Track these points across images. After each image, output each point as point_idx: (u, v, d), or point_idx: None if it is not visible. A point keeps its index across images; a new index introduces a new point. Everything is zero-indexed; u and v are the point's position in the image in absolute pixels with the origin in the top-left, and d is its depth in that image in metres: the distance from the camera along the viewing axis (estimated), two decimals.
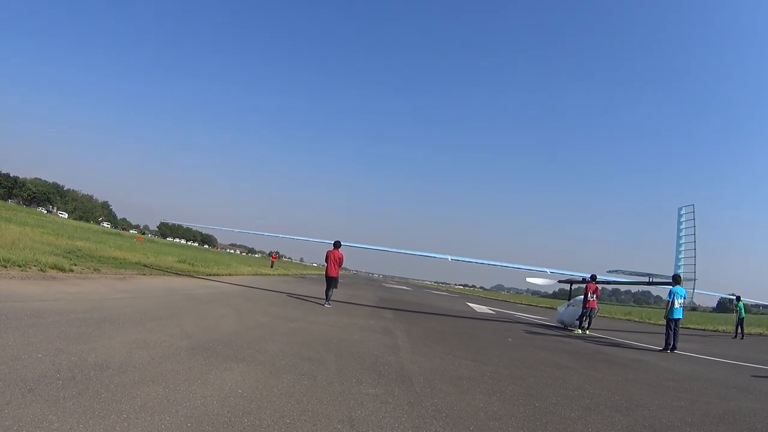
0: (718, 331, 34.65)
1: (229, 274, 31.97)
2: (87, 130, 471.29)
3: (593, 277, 23.32)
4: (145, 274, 20.47)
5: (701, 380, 11.03)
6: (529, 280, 29.31)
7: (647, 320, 42.41)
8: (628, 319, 43.52)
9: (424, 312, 25.65)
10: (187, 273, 25.92)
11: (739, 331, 28.98)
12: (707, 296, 47.98)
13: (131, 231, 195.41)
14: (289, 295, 22.58)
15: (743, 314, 29.42)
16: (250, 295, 19.44)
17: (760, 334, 32.90)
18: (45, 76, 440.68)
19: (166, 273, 23.65)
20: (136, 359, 6.34)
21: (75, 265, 17.21)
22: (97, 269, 18.10)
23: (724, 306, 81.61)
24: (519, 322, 26.96)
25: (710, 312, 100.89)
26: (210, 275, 27.84)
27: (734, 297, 31.81)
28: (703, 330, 35.41)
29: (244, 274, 35.93)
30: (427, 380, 7.61)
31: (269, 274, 45.52)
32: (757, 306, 78.55)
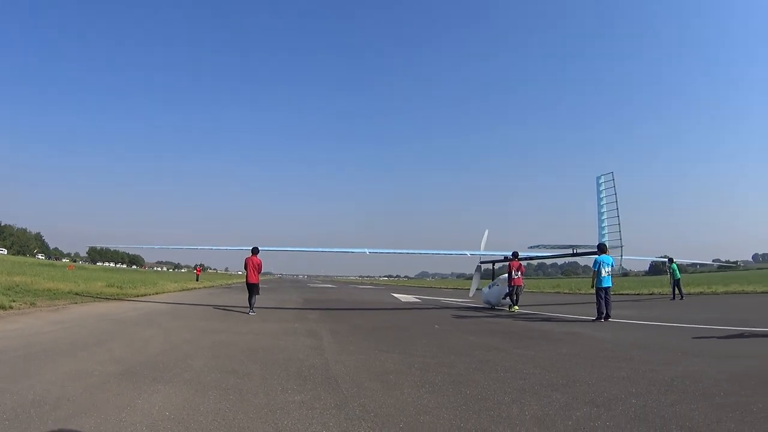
0: (654, 294, 34.73)
1: (156, 293, 31.33)
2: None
3: (515, 255, 23.02)
4: (77, 303, 20.08)
5: (641, 347, 10.77)
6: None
7: (577, 291, 42.61)
8: (557, 292, 44.17)
9: (349, 308, 25.55)
10: (116, 297, 25.42)
11: (677, 292, 28.70)
12: (638, 261, 48.66)
13: (64, 260, 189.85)
14: (215, 307, 22.36)
15: (678, 275, 29.00)
16: (176, 312, 19.15)
17: (701, 293, 32.67)
18: None
19: (96, 299, 23.07)
20: (70, 392, 6.23)
21: (14, 302, 17.02)
22: (33, 303, 17.84)
23: (657, 269, 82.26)
24: (446, 307, 26.50)
25: (643, 276, 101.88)
26: (138, 296, 27.34)
27: (666, 259, 31.70)
28: (638, 295, 35.47)
29: (170, 291, 35.12)
30: (353, 380, 7.40)
31: (195, 288, 44.83)
32: (693, 264, 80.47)
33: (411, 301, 33.80)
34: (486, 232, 28.15)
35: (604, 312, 16.30)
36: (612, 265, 17.50)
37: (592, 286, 17.44)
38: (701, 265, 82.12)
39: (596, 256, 17.85)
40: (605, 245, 18.69)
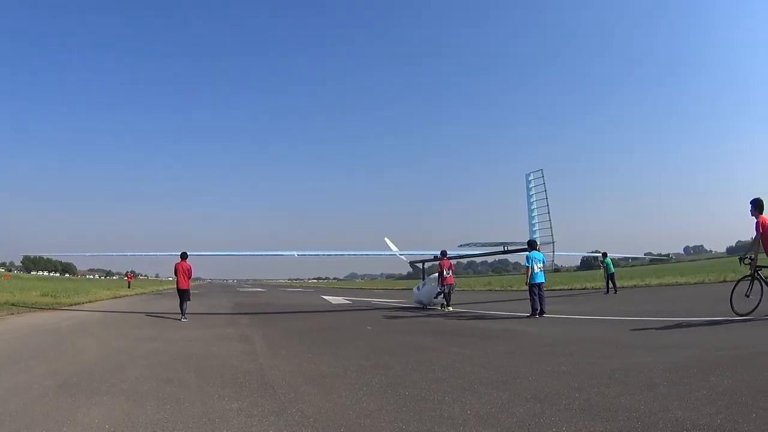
0: (587, 289, 34.59)
1: (90, 301, 30.99)
2: None
3: (444, 254, 22.52)
4: (12, 314, 19.97)
5: (579, 341, 10.77)
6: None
7: (509, 287, 42.25)
8: (489, 290, 44.14)
9: (280, 312, 25.63)
10: (51, 306, 25.06)
11: (611, 285, 28.09)
12: (569, 256, 48.38)
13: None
14: (147, 314, 22.24)
15: (612, 269, 28.50)
16: (109, 321, 19.15)
17: (634, 286, 32.66)
18: None
19: (31, 309, 22.84)
20: (11, 407, 6.14)
21: None
22: None
23: (588, 264, 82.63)
24: (377, 308, 26.47)
25: (574, 271, 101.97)
26: (72, 305, 27.05)
27: (600, 254, 31.04)
28: (571, 290, 35.55)
29: (103, 299, 34.87)
30: (290, 384, 7.24)
31: (127, 295, 44.37)
32: (625, 258, 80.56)
33: (341, 303, 33.62)
34: (386, 240, 29.17)
35: (538, 308, 16.30)
36: (543, 261, 17.45)
37: (526, 283, 17.22)
38: (633, 258, 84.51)
39: (527, 252, 17.62)
40: (535, 242, 18.70)
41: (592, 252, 40.48)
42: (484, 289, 46.12)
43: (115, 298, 38.70)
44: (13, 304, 23.79)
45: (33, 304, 25.60)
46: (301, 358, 9.86)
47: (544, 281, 17.10)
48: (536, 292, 16.53)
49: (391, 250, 28.47)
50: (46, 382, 7.75)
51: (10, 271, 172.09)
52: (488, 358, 9.06)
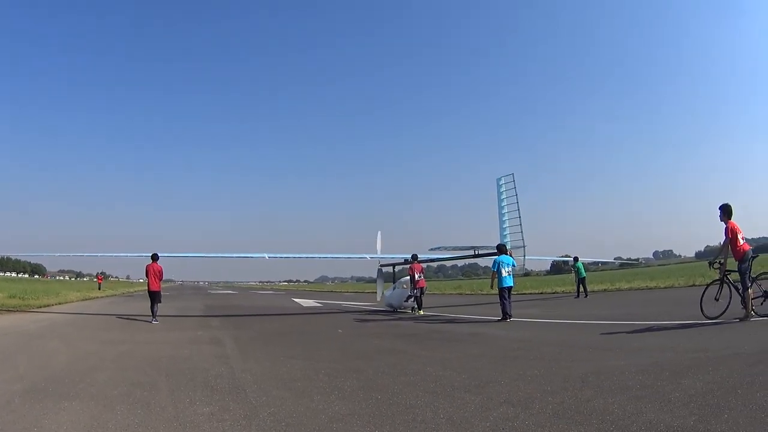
0: (558, 293, 34.16)
1: (59, 303, 30.37)
2: None
3: (414, 257, 22.31)
4: None
5: (551, 345, 10.62)
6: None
7: (479, 291, 41.01)
8: (459, 293, 43.78)
9: (251, 315, 25.23)
10: (18, 308, 24.36)
11: (581, 290, 27.69)
12: (539, 261, 47.52)
13: None
14: (117, 316, 21.81)
15: (584, 273, 28.16)
16: (79, 323, 18.72)
17: (605, 290, 32.14)
18: None
19: None
20: None
21: None
22: None
23: (559, 268, 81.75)
24: (348, 311, 26.45)
25: (544, 276, 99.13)
26: (41, 307, 26.42)
27: (571, 258, 31.26)
28: (541, 293, 35.10)
29: (73, 301, 34.07)
30: (261, 388, 7.07)
31: (97, 297, 43.51)
32: (596, 263, 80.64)
33: (312, 305, 33.39)
34: (379, 234, 27.86)
35: (508, 312, 16.01)
36: (513, 265, 17.24)
37: (491, 287, 17.20)
38: (603, 263, 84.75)
39: (495, 257, 17.26)
40: (504, 246, 18.38)
41: (563, 256, 40.75)
42: (454, 292, 45.86)
43: (85, 300, 37.92)
44: None
45: (0, 305, 24.86)
46: (272, 362, 9.74)
47: (512, 285, 16.88)
48: (506, 295, 16.30)
49: (378, 244, 27.58)
50: (13, 387, 7.43)
51: None
52: (460, 362, 8.95)
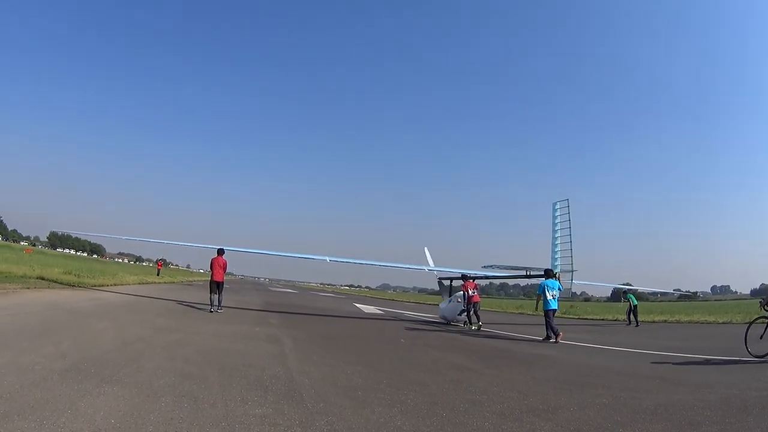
0: (611, 320, 34.12)
1: (115, 284, 30.57)
2: None
3: (464, 277, 23.06)
4: (29, 288, 19.61)
5: (616, 373, 10.47)
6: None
7: (541, 312, 39.67)
8: (520, 313, 43.36)
9: (311, 315, 25.11)
10: (73, 285, 24.73)
11: (632, 318, 28.89)
12: (601, 287, 50.93)
13: (22, 243, 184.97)
14: (174, 303, 22.01)
15: (635, 302, 29.16)
16: (133, 306, 18.68)
17: (665, 321, 32.19)
18: None
19: (51, 286, 22.50)
20: (6, 387, 5.72)
21: None
22: None
23: (618, 296, 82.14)
24: (408, 320, 26.55)
25: (604, 302, 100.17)
26: (96, 286, 26.69)
27: (626, 287, 32.62)
28: (602, 320, 35.13)
29: (129, 284, 34.33)
30: (319, 394, 6.83)
31: (155, 283, 43.56)
32: (655, 294, 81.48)
33: (374, 312, 33.49)
34: (426, 250, 29.60)
35: (552, 334, 16.72)
36: (559, 289, 17.78)
37: (536, 309, 18.20)
38: (662, 294, 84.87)
39: (542, 280, 17.95)
40: (551, 270, 19.00)
41: (624, 284, 40.88)
42: (516, 311, 44.83)
43: (142, 284, 37.68)
44: (31, 278, 23.60)
45: (54, 280, 25.29)
46: (331, 366, 9.42)
47: (556, 308, 17.69)
48: (551, 317, 17.05)
49: (428, 259, 29.13)
50: (53, 364, 7.20)
51: (34, 245, 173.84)
52: (527, 384, 8.71)
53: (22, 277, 23.44)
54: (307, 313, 25.72)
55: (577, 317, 36.36)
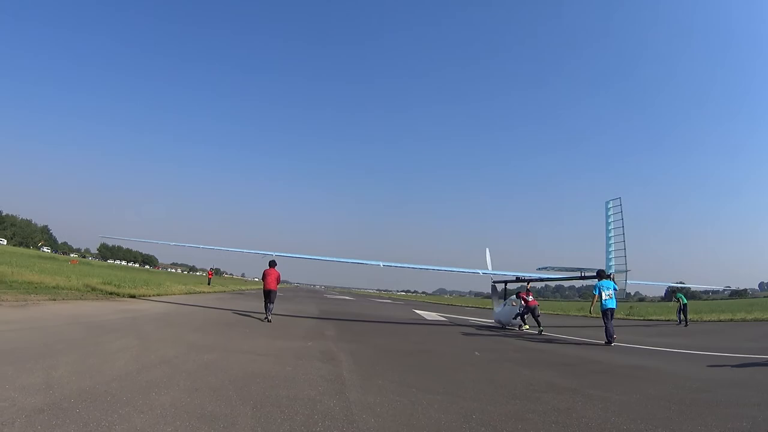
0: (694, 320, 33.03)
1: (158, 295, 29.11)
2: (23, 150, 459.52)
3: (519, 280, 25.48)
4: (55, 300, 17.99)
5: (732, 385, 9.11)
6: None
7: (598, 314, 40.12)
8: (583, 315, 41.58)
9: (370, 321, 24.13)
10: (108, 295, 23.22)
11: (682, 317, 29.72)
12: (654, 286, 53.28)
13: (72, 255, 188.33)
14: (218, 314, 20.49)
15: (685, 302, 29.98)
16: (169, 319, 16.89)
17: (730, 320, 31.85)
18: None
19: (84, 297, 20.91)
20: None
21: None
22: None
23: (671, 295, 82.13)
24: (473, 327, 25.35)
25: (658, 302, 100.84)
26: (134, 296, 25.23)
27: (677, 285, 34.97)
28: (667, 321, 34.44)
29: (174, 294, 32.91)
30: None
31: (204, 292, 42.01)
32: (707, 292, 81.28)
33: (436, 319, 31.62)
34: (487, 251, 29.86)
35: (610, 334, 16.67)
36: (615, 289, 17.89)
37: (590, 311, 18.55)
38: (713, 291, 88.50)
39: (596, 281, 18.28)
40: (604, 271, 19.20)
41: (677, 282, 42.66)
42: (578, 314, 43.34)
43: (189, 293, 36.36)
44: (62, 289, 22.14)
45: (88, 290, 23.82)
46: (401, 395, 7.44)
47: (614, 307, 17.65)
48: (609, 318, 17.04)
49: (487, 261, 29.17)
50: (27, 400, 5.43)
51: (84, 257, 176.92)
52: (645, 408, 7.19)
53: (54, 288, 21.99)
54: (366, 320, 25.26)
55: (641, 318, 36.66)
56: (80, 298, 20.21)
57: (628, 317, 37.68)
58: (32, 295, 17.82)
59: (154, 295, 27.99)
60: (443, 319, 31.83)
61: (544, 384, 9.02)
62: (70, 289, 22.68)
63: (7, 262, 33.57)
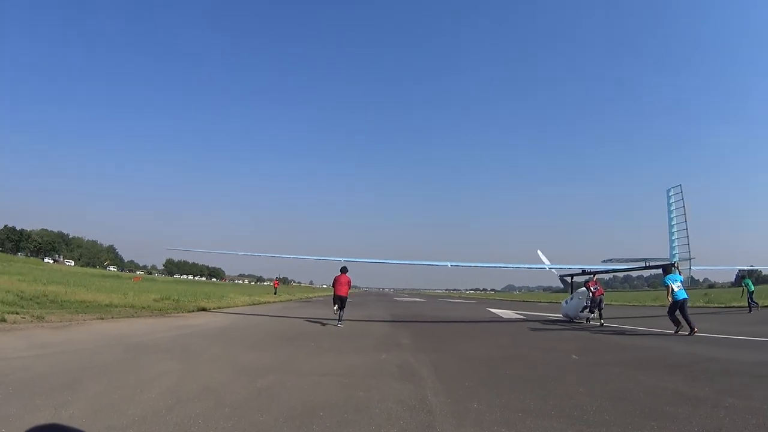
0: (730, 308, 33.87)
1: (219, 308, 28.10)
2: (89, 172, 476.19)
3: (584, 272, 25.72)
4: (104, 319, 16.93)
5: None
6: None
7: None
8: (660, 305, 37.84)
9: (446, 324, 23.62)
10: (163, 312, 22.04)
11: (751, 302, 29.33)
12: (723, 271, 53.08)
13: (138, 272, 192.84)
14: (282, 325, 19.42)
15: (752, 288, 29.67)
16: (227, 334, 15.58)
17: None
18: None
19: (135, 314, 19.74)
20: None
21: (16, 313, 14.83)
22: (41, 317, 15.02)
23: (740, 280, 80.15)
24: (553, 322, 24.59)
25: (729, 287, 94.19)
26: (192, 311, 24.16)
27: (750, 268, 33.85)
28: (733, 306, 34.22)
29: (237, 306, 31.90)
30: None
31: (270, 302, 40.96)
32: None
33: (514, 317, 30.19)
34: (539, 252, 30.10)
35: (691, 324, 16.51)
36: (681, 281, 18.00)
37: (669, 304, 17.84)
38: None
39: (664, 277, 18.36)
40: (669, 265, 19.82)
41: (749, 266, 40.70)
42: (655, 304, 41.04)
43: (254, 304, 35.39)
44: (116, 306, 21.24)
45: (144, 307, 22.68)
46: (508, 424, 5.75)
47: (687, 297, 17.57)
48: (684, 308, 17.12)
49: (543, 259, 29.33)
50: None
51: (150, 274, 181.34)
52: None
53: (106, 306, 21.12)
54: (442, 323, 24.16)
55: (722, 305, 35.48)
56: (132, 316, 19.11)
57: (708, 305, 36.89)
58: (81, 315, 16.96)
59: (214, 309, 27.08)
60: (522, 317, 30.35)
61: (670, 393, 7.35)
62: (124, 306, 21.75)
63: (64, 281, 33.68)
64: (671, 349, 12.90)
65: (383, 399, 6.89)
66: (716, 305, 36.39)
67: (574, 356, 11.89)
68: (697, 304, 36.88)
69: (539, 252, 30.29)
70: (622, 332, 18.32)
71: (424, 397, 7.05)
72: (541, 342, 15.96)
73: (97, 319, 16.55)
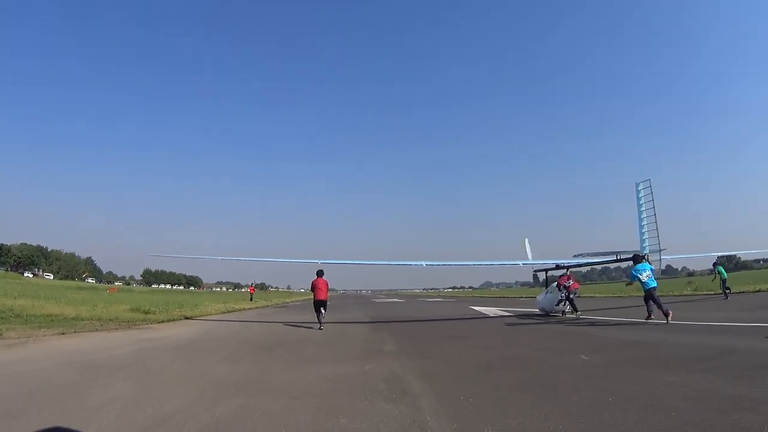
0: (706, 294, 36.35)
1: (190, 317, 27.22)
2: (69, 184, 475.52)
3: (558, 267, 26.97)
4: (64, 333, 15.86)
5: None
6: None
7: (669, 293, 39.66)
8: (628, 296, 40.20)
9: (428, 323, 23.95)
10: (131, 323, 21.02)
11: (726, 290, 31.04)
12: (700, 259, 53.99)
13: (117, 283, 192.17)
14: (256, 335, 18.34)
15: (725, 275, 31.56)
16: (196, 346, 14.49)
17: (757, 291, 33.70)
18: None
19: (101, 327, 18.60)
20: None
21: None
22: None
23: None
24: (530, 317, 24.99)
25: (708, 275, 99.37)
26: (162, 322, 23.11)
27: (724, 255, 35.26)
28: (703, 295, 36.37)
29: (210, 314, 30.81)
30: None
31: (244, 309, 39.97)
32: (757, 261, 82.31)
33: (499, 314, 29.25)
34: (526, 241, 31.51)
35: (665, 310, 17.21)
36: (651, 270, 18.96)
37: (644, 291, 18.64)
38: (765, 260, 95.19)
39: (633, 267, 19.37)
40: (639, 255, 20.44)
41: (728, 252, 46.70)
42: (641, 294, 40.86)
43: (227, 312, 34.71)
44: (81, 320, 20.33)
45: (111, 319, 21.51)
46: None
47: (656, 285, 18.55)
48: (654, 296, 18.10)
49: (527, 251, 30.82)
50: None
51: (127, 284, 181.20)
52: None
53: (72, 319, 20.30)
54: (424, 323, 24.20)
55: (713, 292, 36.05)
56: (97, 329, 17.91)
57: (695, 293, 38.66)
58: (42, 330, 16.05)
59: (186, 318, 26.38)
60: (507, 313, 29.30)
61: (716, 398, 6.36)
62: (90, 319, 20.82)
63: (34, 295, 32.76)
64: (680, 342, 12.36)
65: (370, 422, 5.90)
66: (704, 292, 37.88)
67: (582, 356, 10.84)
68: (685, 293, 39.43)
69: (526, 241, 31.48)
70: (604, 323, 19.21)
71: (424, 424, 5.90)
72: (538, 341, 14.78)
73: (59, 334, 15.53)
